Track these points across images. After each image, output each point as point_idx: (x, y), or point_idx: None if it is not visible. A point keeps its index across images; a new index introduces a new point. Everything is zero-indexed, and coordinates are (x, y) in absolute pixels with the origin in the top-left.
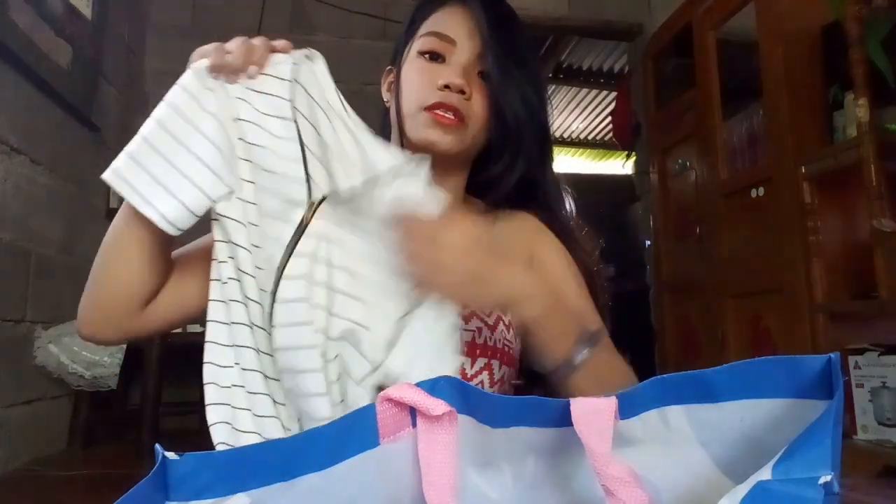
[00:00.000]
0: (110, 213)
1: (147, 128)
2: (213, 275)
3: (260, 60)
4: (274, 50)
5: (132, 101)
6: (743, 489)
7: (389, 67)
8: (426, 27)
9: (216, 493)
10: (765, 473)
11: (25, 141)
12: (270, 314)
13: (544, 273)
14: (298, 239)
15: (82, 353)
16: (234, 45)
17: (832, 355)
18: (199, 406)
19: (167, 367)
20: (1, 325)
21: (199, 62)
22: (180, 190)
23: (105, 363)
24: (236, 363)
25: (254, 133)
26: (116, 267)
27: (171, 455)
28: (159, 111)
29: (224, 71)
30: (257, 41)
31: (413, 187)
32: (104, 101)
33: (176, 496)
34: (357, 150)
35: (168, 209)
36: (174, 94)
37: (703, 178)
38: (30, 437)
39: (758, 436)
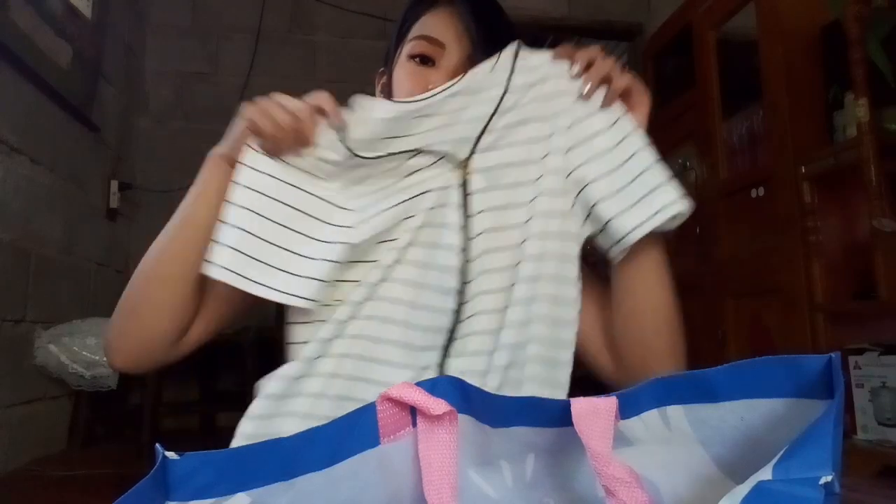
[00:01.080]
0: (110, 213)
1: (236, 216)
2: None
3: (308, 138)
4: (321, 112)
5: (132, 101)
6: (743, 489)
7: (382, 69)
8: (416, 30)
9: (216, 492)
10: (765, 473)
11: (25, 141)
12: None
13: None
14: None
15: (82, 353)
16: (279, 114)
17: (833, 355)
18: (199, 406)
19: (167, 367)
20: (1, 325)
21: (251, 141)
22: (305, 269)
23: (105, 363)
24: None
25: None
26: (160, 302)
27: (171, 455)
28: (241, 197)
29: (276, 153)
30: (302, 111)
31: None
32: (104, 101)
33: (176, 496)
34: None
35: (307, 291)
36: (249, 178)
37: (703, 178)
38: (30, 437)
39: (758, 435)
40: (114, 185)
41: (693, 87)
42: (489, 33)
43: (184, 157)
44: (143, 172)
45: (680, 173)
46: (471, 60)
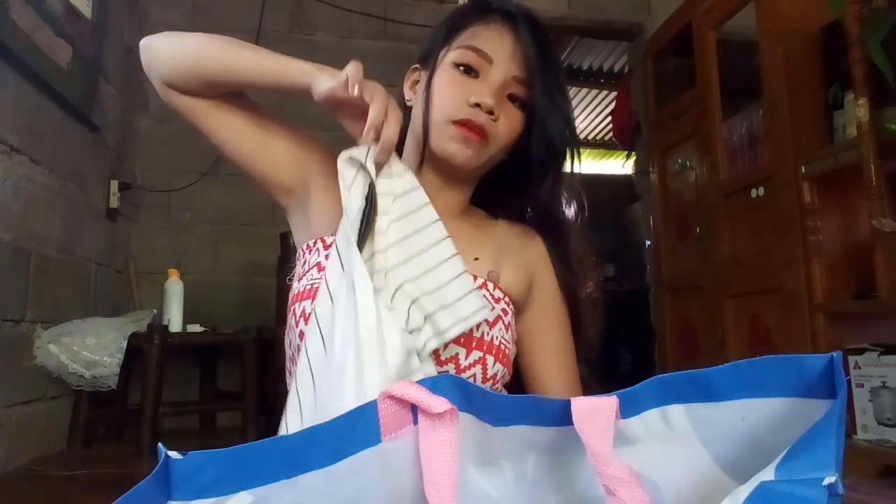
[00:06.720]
0: (110, 213)
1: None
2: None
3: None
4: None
5: (132, 101)
6: (746, 489)
7: (416, 66)
8: (466, 39)
9: (219, 491)
10: (768, 474)
11: (25, 141)
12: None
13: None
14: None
15: (82, 353)
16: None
17: (834, 354)
18: (199, 406)
19: (167, 367)
20: (1, 325)
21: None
22: None
23: (105, 363)
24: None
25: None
26: (230, 69)
27: (174, 454)
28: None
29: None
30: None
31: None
32: (104, 101)
33: (178, 495)
34: None
35: None
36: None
37: (703, 178)
38: (30, 437)
39: (760, 435)
40: (114, 185)
41: (693, 87)
42: (540, 60)
43: (184, 157)
44: (143, 172)
45: (680, 173)
46: (516, 81)
